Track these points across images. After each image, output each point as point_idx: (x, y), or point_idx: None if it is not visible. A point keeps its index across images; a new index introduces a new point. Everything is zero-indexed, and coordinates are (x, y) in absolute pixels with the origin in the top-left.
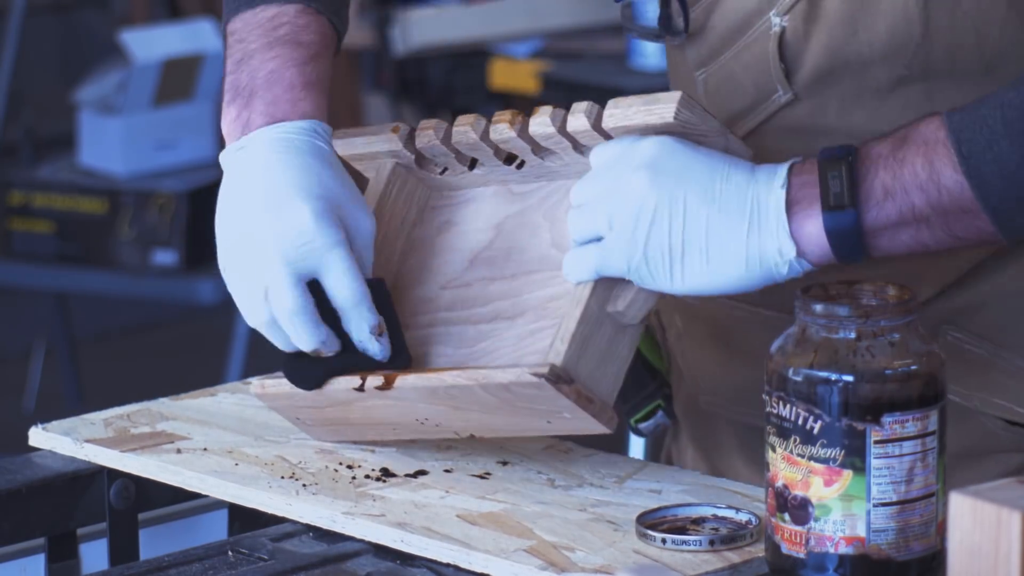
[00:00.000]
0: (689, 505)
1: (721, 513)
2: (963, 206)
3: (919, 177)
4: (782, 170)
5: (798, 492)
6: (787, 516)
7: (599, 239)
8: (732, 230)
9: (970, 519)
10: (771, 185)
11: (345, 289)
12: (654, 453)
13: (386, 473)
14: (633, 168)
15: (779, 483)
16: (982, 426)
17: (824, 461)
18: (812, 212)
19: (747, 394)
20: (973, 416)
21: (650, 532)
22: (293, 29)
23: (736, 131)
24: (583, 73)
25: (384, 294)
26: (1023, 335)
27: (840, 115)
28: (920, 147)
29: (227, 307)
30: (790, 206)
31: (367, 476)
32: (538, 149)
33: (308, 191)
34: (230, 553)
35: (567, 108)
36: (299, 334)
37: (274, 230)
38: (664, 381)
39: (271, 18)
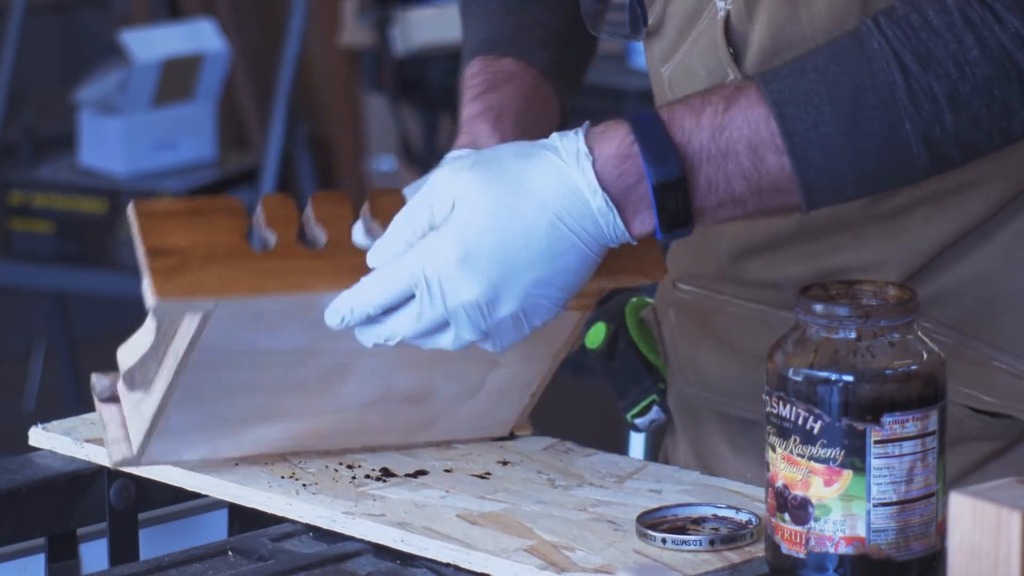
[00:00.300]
0: (689, 505)
1: (721, 513)
2: (780, 186)
3: (742, 166)
4: (583, 155)
5: (798, 492)
6: (787, 516)
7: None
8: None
9: (970, 519)
10: (585, 183)
11: None
12: (654, 452)
13: (386, 473)
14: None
15: (779, 483)
16: (950, 415)
17: (824, 461)
18: (642, 206)
19: (735, 387)
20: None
21: (650, 532)
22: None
23: None
24: None
25: None
26: (988, 323)
27: None
28: (743, 127)
29: None
30: (617, 201)
31: (367, 476)
32: None
33: None
34: (230, 553)
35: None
36: None
37: None
38: (659, 376)
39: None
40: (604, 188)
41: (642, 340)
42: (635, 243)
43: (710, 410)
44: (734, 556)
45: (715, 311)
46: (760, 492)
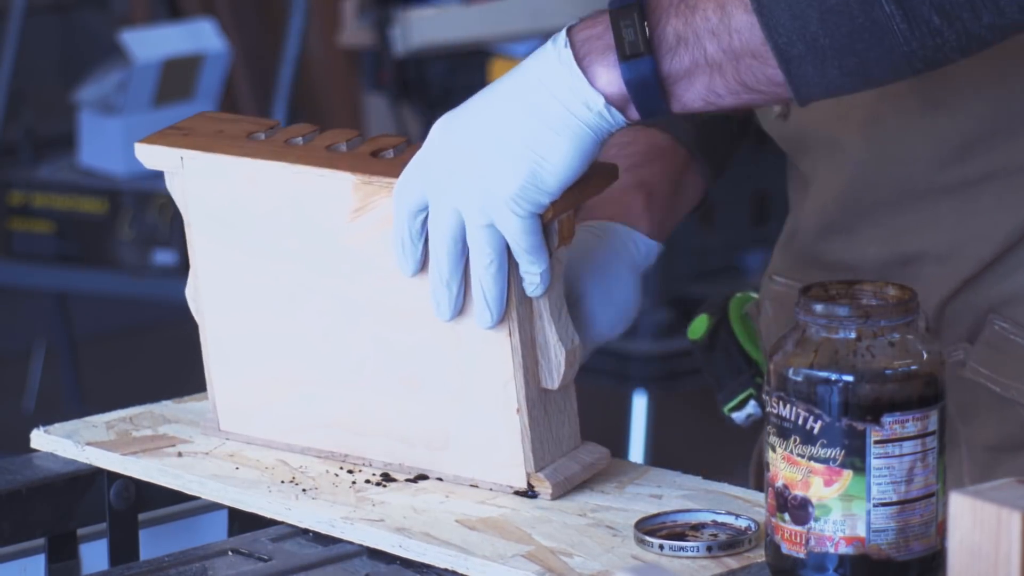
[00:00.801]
0: (688, 511)
1: (720, 519)
2: (753, 49)
3: (710, 22)
4: (560, 34)
5: (798, 492)
6: (787, 516)
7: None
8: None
9: (970, 519)
10: (555, 51)
11: None
12: (748, 449)
13: (386, 478)
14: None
15: (779, 483)
16: (1020, 417)
17: (824, 461)
18: (606, 62)
19: None
20: (1011, 407)
21: (648, 538)
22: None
23: None
24: None
25: None
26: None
27: None
28: None
29: None
30: (580, 61)
31: (367, 481)
32: None
33: None
34: (230, 553)
35: None
36: None
37: None
38: (758, 370)
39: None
40: (573, 51)
41: (744, 334)
42: (603, 101)
43: None
44: (733, 562)
45: None
46: (761, 497)
